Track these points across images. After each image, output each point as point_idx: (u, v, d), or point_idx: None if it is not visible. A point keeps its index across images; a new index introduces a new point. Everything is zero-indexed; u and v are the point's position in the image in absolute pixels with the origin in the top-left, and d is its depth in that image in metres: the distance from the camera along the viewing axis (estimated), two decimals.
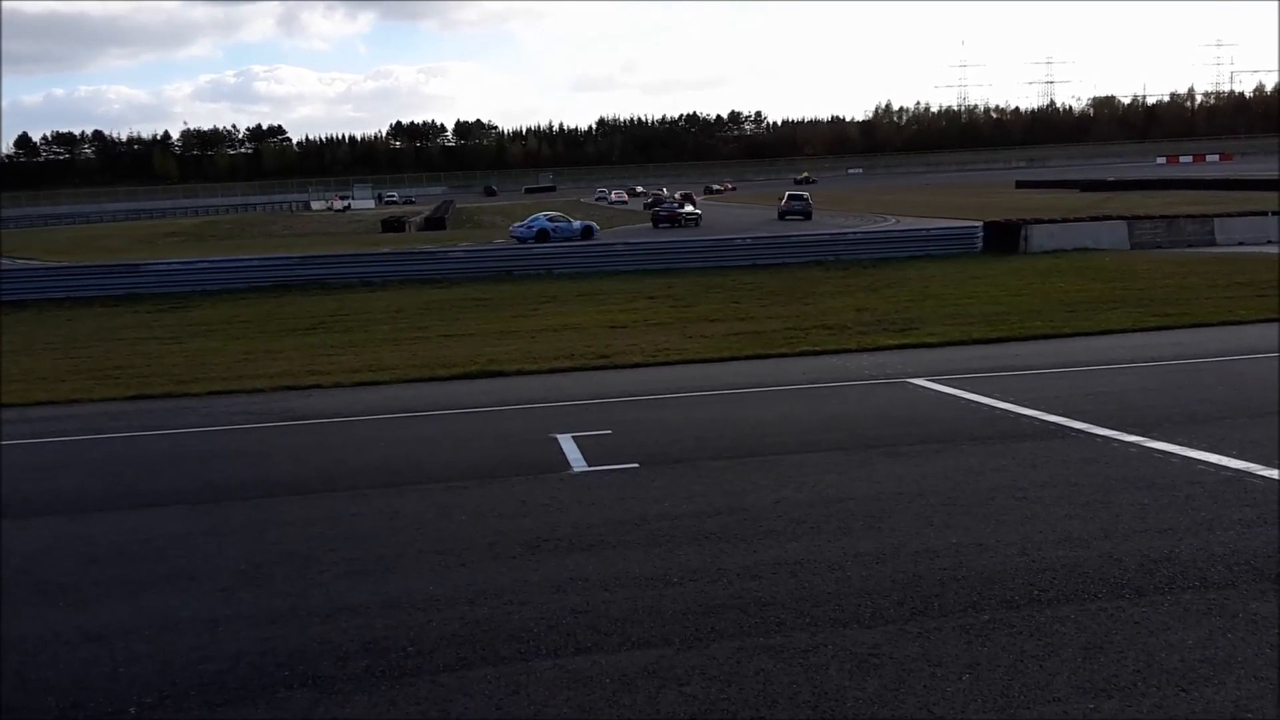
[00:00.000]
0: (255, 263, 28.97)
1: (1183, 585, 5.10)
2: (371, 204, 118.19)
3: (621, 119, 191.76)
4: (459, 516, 7.06)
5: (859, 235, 32.07)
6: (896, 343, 14.19)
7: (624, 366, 13.42)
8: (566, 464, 8.29)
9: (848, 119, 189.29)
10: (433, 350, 15.42)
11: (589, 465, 8.20)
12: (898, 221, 44.37)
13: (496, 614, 5.21)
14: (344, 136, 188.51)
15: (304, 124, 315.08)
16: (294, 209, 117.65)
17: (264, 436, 10.27)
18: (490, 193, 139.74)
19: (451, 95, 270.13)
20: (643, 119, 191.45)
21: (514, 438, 9.59)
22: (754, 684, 4.32)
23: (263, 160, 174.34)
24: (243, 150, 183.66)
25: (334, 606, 5.43)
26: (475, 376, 13.03)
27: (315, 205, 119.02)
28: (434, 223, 62.94)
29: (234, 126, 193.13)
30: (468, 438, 9.81)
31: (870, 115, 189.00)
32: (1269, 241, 28.26)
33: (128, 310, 22.80)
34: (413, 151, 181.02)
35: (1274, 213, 30.92)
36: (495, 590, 5.55)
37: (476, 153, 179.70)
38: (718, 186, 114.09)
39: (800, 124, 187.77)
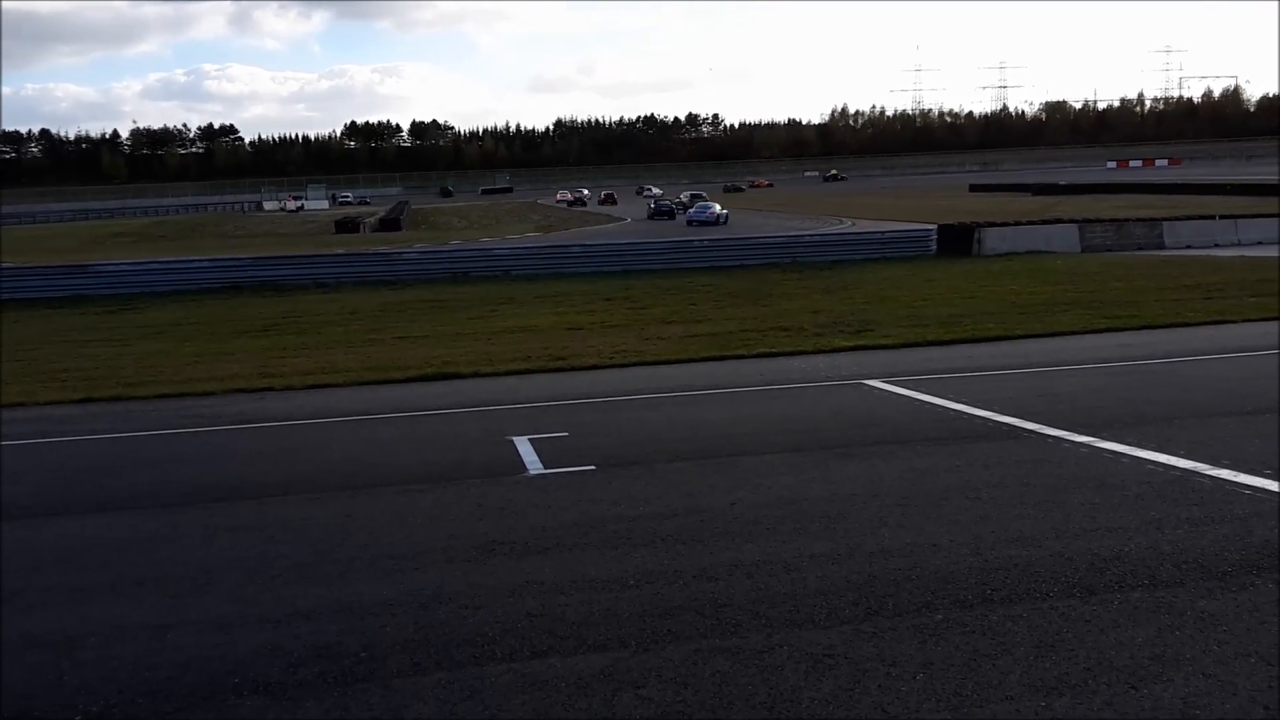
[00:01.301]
0: (206, 264, 28.60)
1: (1132, 584, 5.17)
2: (325, 204, 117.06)
3: (579, 120, 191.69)
4: (413, 520, 7.00)
5: (815, 238, 32.31)
6: (852, 344, 14.28)
7: (581, 368, 13.38)
8: (522, 466, 8.24)
9: (805, 122, 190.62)
10: (387, 352, 15.29)
11: (545, 467, 8.16)
12: (854, 224, 44.69)
13: (451, 618, 5.17)
14: (298, 136, 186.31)
15: (257, 123, 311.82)
16: (246, 209, 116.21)
17: (215, 440, 10.12)
18: (446, 194, 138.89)
19: (407, 95, 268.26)
20: (600, 120, 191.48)
21: (469, 440, 9.53)
22: (710, 686, 4.32)
23: (214, 160, 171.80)
24: (194, 150, 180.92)
25: (285, 612, 5.36)
26: (431, 379, 12.93)
27: (268, 205, 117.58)
28: (389, 224, 62.45)
29: (185, 126, 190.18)
30: (422, 440, 9.73)
31: (827, 118, 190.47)
32: (1215, 245, 28.83)
33: (74, 312, 22.38)
34: (368, 152, 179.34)
35: (1220, 216, 31.56)
36: (450, 594, 5.50)
37: (432, 153, 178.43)
38: (750, 183, 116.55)
39: (758, 126, 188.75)
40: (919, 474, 7.58)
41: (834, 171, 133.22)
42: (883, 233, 32.65)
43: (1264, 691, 4.00)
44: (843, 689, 4.23)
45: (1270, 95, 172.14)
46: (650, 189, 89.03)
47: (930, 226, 31.18)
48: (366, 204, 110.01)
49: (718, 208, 51.54)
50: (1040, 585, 5.20)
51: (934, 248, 29.37)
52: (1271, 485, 6.67)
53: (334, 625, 5.14)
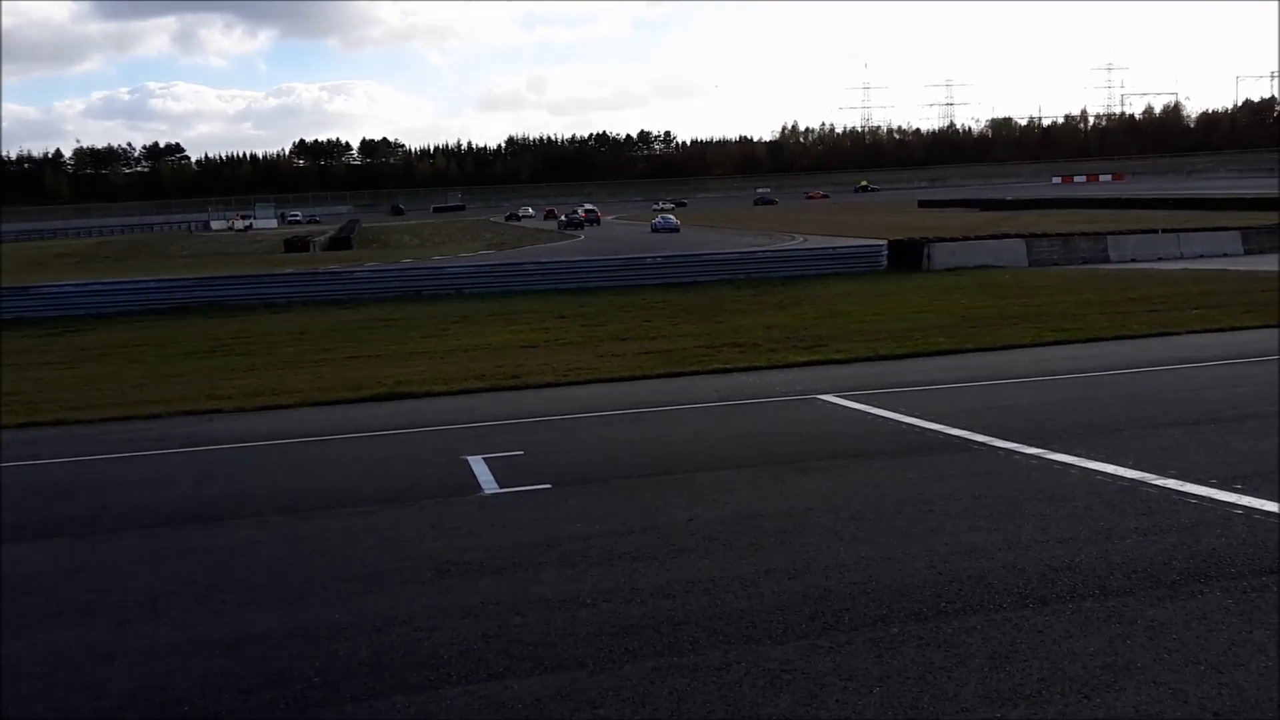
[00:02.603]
0: (151, 284, 28.18)
1: (1083, 593, 5.22)
2: (274, 223, 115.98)
3: (531, 138, 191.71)
4: (367, 542, 6.91)
5: (768, 254, 32.57)
6: (806, 359, 14.37)
7: (536, 386, 13.33)
8: (477, 486, 8.18)
9: (756, 139, 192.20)
10: (339, 372, 15.14)
11: (500, 487, 8.10)
12: (805, 240, 45.10)
13: (405, 641, 5.10)
14: (245, 155, 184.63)
15: (203, 142, 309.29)
16: (192, 229, 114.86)
17: (162, 464, 9.94)
18: (398, 211, 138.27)
19: (356, 113, 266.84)
20: (552, 138, 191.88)
21: (423, 460, 9.45)
22: (667, 704, 4.30)
23: (160, 179, 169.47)
24: (139, 169, 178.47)
25: (236, 637, 5.26)
26: (383, 399, 12.81)
27: (215, 225, 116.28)
28: (339, 242, 62.06)
29: (129, 144, 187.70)
30: (375, 461, 9.62)
31: (778, 135, 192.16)
32: (1159, 258, 29.44)
33: (17, 335, 21.91)
34: (317, 170, 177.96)
35: (1163, 230, 32.24)
36: (404, 616, 5.43)
37: (383, 171, 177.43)
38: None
39: (709, 144, 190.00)
40: (873, 488, 7.62)
41: (864, 183, 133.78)
42: (834, 248, 32.98)
43: (1214, 699, 4.06)
44: (800, 704, 4.23)
45: (1210, 111, 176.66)
46: (584, 207, 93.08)
47: (881, 242, 31.54)
48: (316, 222, 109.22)
49: (675, 219, 66.21)
50: (993, 597, 5.24)
51: (885, 263, 29.69)
52: (1217, 494, 6.79)
53: (286, 650, 5.05)
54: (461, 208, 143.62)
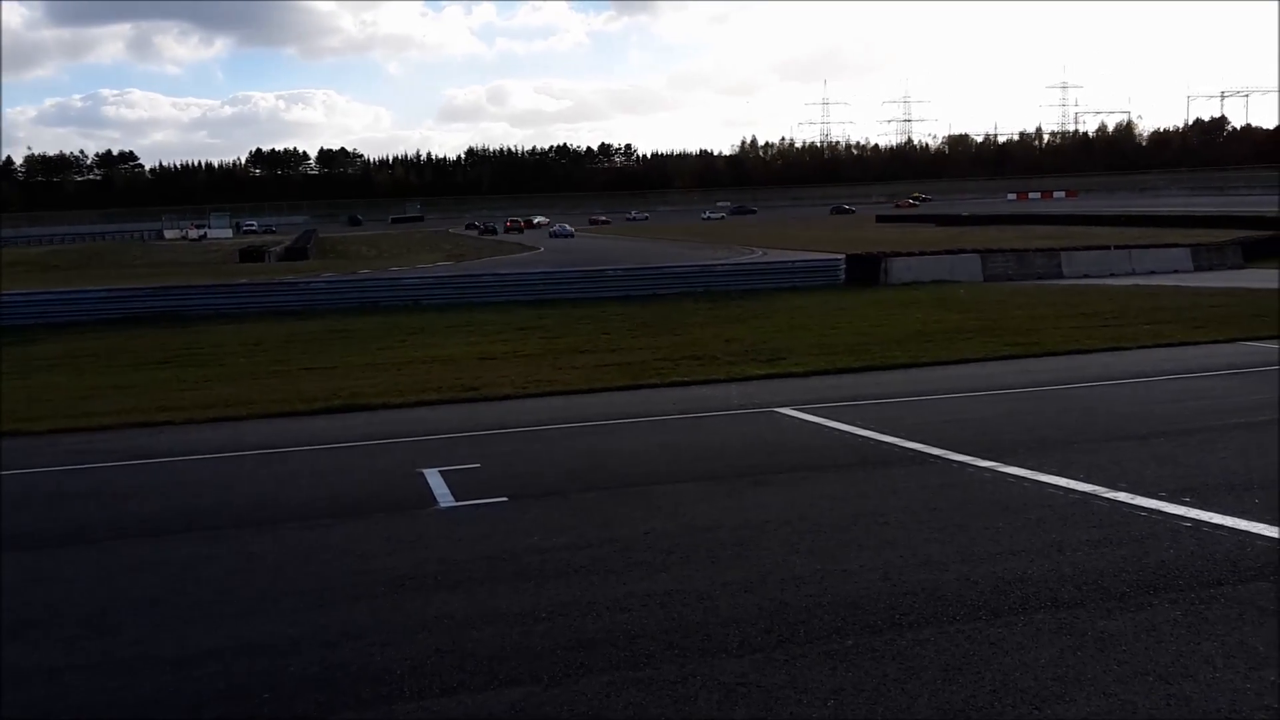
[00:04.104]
0: (103, 294, 27.75)
1: (1035, 605, 5.28)
2: (229, 233, 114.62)
3: (491, 149, 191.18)
4: (320, 556, 6.83)
5: (727, 267, 32.66)
6: (764, 372, 14.43)
7: (494, 399, 13.27)
8: (433, 499, 8.12)
9: (716, 153, 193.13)
10: (293, 384, 14.97)
11: (456, 500, 8.04)
12: (764, 254, 45.36)
13: (358, 656, 5.04)
14: (200, 164, 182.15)
15: (157, 150, 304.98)
16: (146, 238, 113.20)
17: (112, 476, 9.77)
18: (355, 222, 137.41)
19: (314, 123, 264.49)
20: (512, 149, 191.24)
21: (378, 473, 9.36)
22: (623, 718, 4.28)
23: (113, 187, 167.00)
24: (91, 177, 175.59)
25: (187, 653, 5.17)
26: (338, 411, 12.68)
27: (169, 234, 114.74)
28: (295, 252, 61.48)
29: (82, 152, 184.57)
30: (329, 474, 9.52)
31: (737, 150, 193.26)
32: (1111, 274, 29.92)
33: None
34: (274, 180, 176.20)
35: (1116, 247, 32.79)
36: (357, 631, 5.37)
37: (341, 181, 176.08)
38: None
39: (670, 157, 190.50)
40: (830, 500, 7.66)
41: (917, 195, 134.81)
42: (793, 262, 33.21)
43: (1161, 710, 4.11)
44: (755, 717, 4.23)
45: (1161, 130, 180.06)
46: (540, 218, 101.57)
47: (839, 256, 31.77)
48: (272, 232, 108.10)
49: (571, 228, 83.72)
50: (947, 609, 5.28)
51: (843, 277, 29.90)
52: (1166, 507, 6.89)
53: (238, 666, 4.98)
54: (420, 218, 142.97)
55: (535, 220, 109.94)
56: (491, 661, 4.89)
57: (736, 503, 7.68)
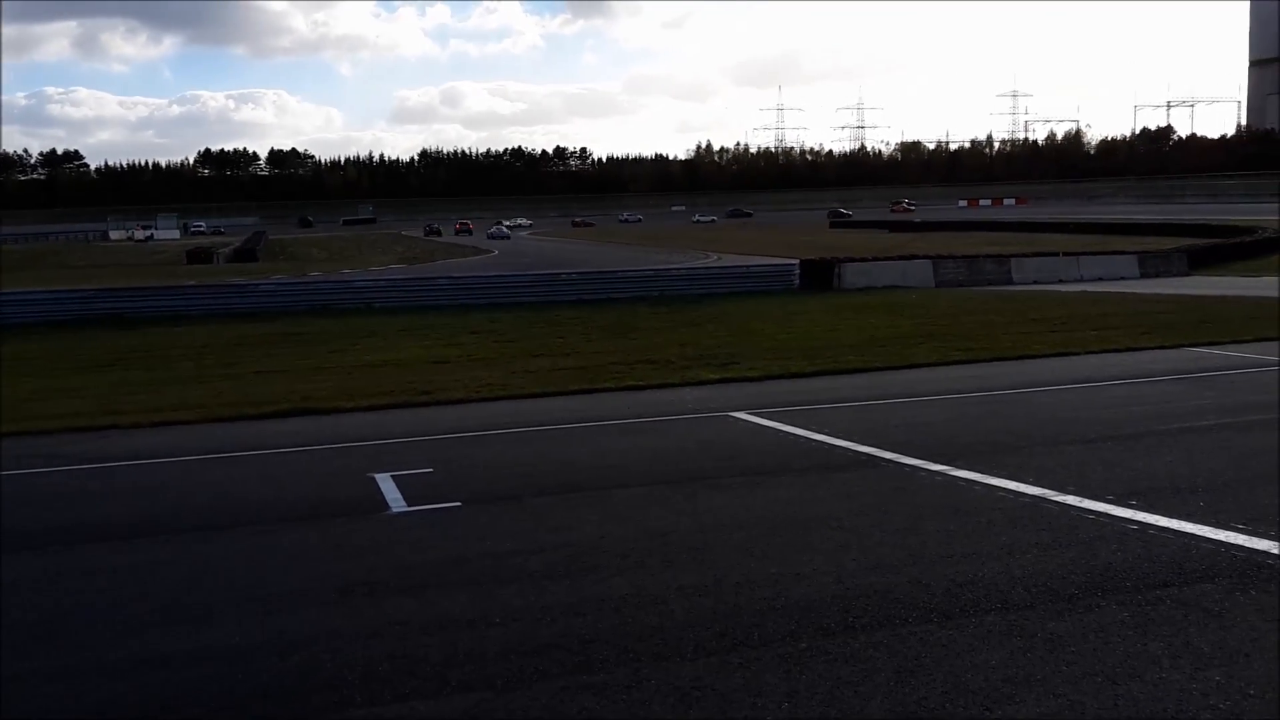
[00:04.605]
0: (45, 296, 27.18)
1: (986, 608, 5.33)
2: (177, 234, 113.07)
3: (445, 151, 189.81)
4: (270, 562, 6.73)
5: (682, 271, 32.78)
6: (719, 377, 14.46)
7: (447, 403, 13.16)
8: (385, 504, 8.03)
9: (671, 157, 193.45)
10: (242, 388, 14.75)
11: (409, 505, 7.96)
12: (719, 258, 45.52)
13: (308, 663, 4.97)
14: (148, 164, 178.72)
15: (103, 150, 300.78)
16: (91, 239, 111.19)
17: (55, 481, 9.56)
18: (306, 224, 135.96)
19: (265, 123, 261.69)
20: (467, 152, 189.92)
21: (329, 478, 9.25)
22: None
23: (57, 187, 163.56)
24: (35, 176, 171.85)
25: (135, 660, 5.07)
26: (288, 415, 12.51)
27: (114, 235, 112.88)
28: (245, 254, 60.76)
29: (25, 151, 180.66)
30: (280, 479, 9.39)
31: (692, 154, 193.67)
32: (1060, 280, 30.37)
33: None
34: (223, 180, 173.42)
35: (1064, 254, 33.29)
36: (308, 638, 5.30)
37: (292, 183, 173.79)
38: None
39: (625, 161, 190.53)
40: (784, 504, 7.69)
41: (907, 201, 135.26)
42: (747, 267, 33.37)
43: (1109, 710, 4.16)
44: None
45: (1109, 139, 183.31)
46: (503, 221, 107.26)
47: (793, 261, 31.96)
48: (221, 234, 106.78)
49: (506, 228, 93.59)
50: (899, 611, 5.31)
51: (797, 282, 30.09)
52: (1114, 510, 6.99)
53: (187, 674, 4.89)
54: (373, 220, 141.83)
55: (512, 223, 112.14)
56: (444, 668, 4.85)
57: (691, 507, 7.68)
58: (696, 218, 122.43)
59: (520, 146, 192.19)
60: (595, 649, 4.99)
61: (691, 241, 66.16)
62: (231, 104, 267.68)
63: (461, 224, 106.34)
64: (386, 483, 8.62)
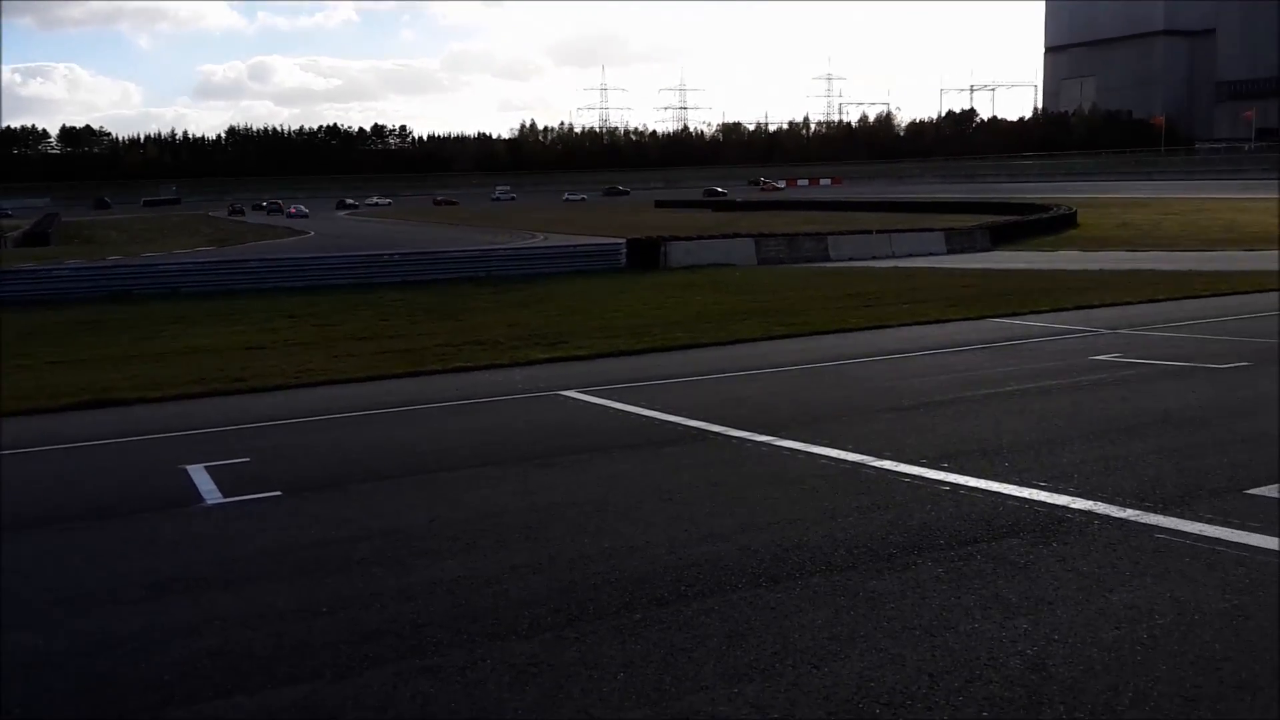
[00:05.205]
0: None
1: (811, 570, 5.50)
2: None
3: (254, 129, 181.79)
4: (73, 561, 6.32)
5: (509, 251, 32.50)
6: (548, 356, 14.41)
7: (263, 390, 12.64)
8: (199, 496, 7.65)
9: (495, 136, 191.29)
10: (36, 379, 13.78)
11: (225, 496, 7.61)
12: (546, 238, 45.38)
13: (121, 665, 4.69)
14: None
15: None
16: None
17: None
18: (104, 205, 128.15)
19: (55, 98, 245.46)
20: (278, 129, 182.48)
21: (137, 472, 8.76)
22: (410, 708, 4.17)
23: None
24: None
25: None
26: (89, 406, 11.75)
27: None
28: (35, 238, 56.83)
29: None
30: (81, 475, 8.82)
31: (516, 133, 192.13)
32: (874, 257, 31.65)
33: None
34: (9, 160, 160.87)
35: (877, 232, 34.70)
36: (119, 638, 5.00)
37: (87, 162, 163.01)
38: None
39: (447, 140, 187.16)
40: (616, 480, 7.74)
41: (768, 180, 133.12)
42: (575, 246, 33.41)
43: (928, 662, 4.36)
44: (546, 696, 4.21)
45: (917, 121, 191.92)
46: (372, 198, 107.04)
47: (620, 241, 32.18)
48: (9, 216, 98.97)
49: (306, 209, 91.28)
50: (730, 578, 5.42)
51: (624, 261, 30.31)
52: (927, 473, 7.34)
53: None
54: (177, 201, 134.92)
55: (369, 202, 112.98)
56: (269, 661, 4.66)
57: (523, 487, 7.64)
58: (566, 195, 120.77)
59: (336, 124, 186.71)
60: (428, 633, 4.90)
61: (517, 222, 65.67)
62: (18, 78, 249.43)
63: (270, 203, 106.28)
64: (200, 474, 8.21)
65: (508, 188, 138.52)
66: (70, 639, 5.03)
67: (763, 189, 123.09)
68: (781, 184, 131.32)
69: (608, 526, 6.47)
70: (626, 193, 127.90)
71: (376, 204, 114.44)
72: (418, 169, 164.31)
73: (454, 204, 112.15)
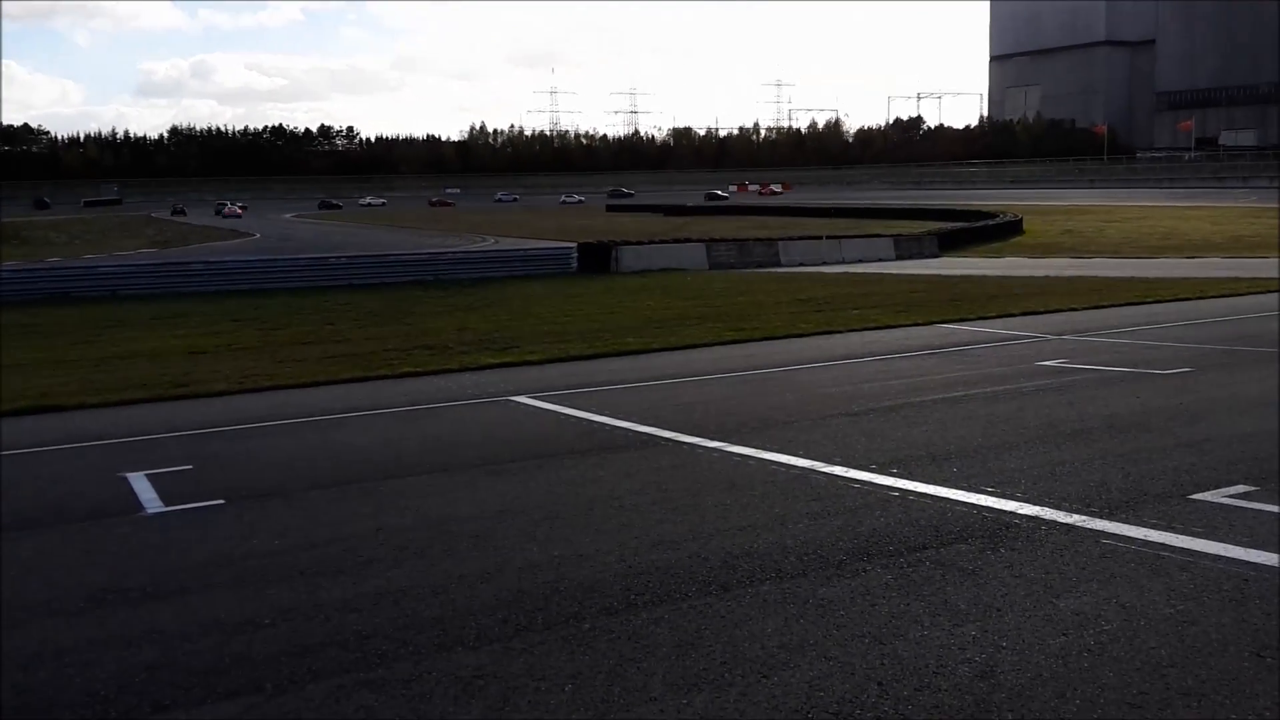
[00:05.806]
0: None
1: (761, 578, 5.49)
2: None
3: (197, 128, 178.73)
4: (6, 572, 6.12)
5: (458, 255, 32.28)
6: (498, 361, 14.30)
7: (206, 396, 12.40)
8: (138, 505, 7.47)
9: (444, 139, 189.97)
10: None
11: (165, 505, 7.44)
12: (497, 242, 45.14)
13: (56, 679, 4.55)
14: None
15: None
16: None
17: None
18: (42, 205, 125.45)
19: None
20: (222, 129, 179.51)
21: (74, 480, 8.53)
22: None
23: None
24: None
25: None
26: (24, 413, 11.43)
27: None
28: None
29: None
30: (18, 483, 8.56)
31: (466, 136, 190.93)
32: (823, 262, 31.84)
33: None
34: None
35: (827, 237, 34.93)
36: (54, 651, 4.85)
37: (24, 161, 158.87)
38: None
39: (396, 141, 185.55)
40: (566, 486, 7.68)
41: (768, 184, 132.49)
42: (525, 250, 33.22)
43: (877, 669, 4.36)
44: (492, 709, 4.15)
45: (865, 128, 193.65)
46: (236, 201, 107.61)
47: (571, 245, 32.08)
48: None
49: (239, 209, 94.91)
50: (680, 586, 5.39)
51: (575, 265, 30.23)
52: (877, 479, 7.37)
53: None
54: (118, 202, 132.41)
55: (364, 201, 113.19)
56: (209, 674, 4.55)
57: (472, 494, 7.56)
58: (563, 198, 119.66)
59: (281, 124, 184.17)
60: (373, 644, 4.81)
61: (467, 225, 65.26)
62: None
63: (221, 202, 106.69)
64: (140, 482, 8.03)
65: (457, 191, 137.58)
66: (6, 652, 4.87)
67: (761, 193, 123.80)
68: (779, 190, 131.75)
69: (557, 534, 6.41)
70: (631, 194, 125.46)
71: (370, 203, 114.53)
72: (365, 171, 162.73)
73: (449, 205, 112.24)
